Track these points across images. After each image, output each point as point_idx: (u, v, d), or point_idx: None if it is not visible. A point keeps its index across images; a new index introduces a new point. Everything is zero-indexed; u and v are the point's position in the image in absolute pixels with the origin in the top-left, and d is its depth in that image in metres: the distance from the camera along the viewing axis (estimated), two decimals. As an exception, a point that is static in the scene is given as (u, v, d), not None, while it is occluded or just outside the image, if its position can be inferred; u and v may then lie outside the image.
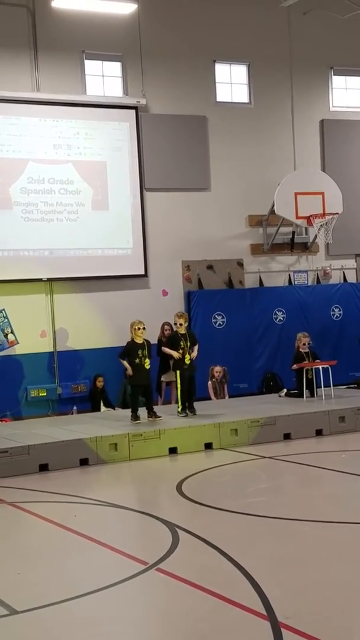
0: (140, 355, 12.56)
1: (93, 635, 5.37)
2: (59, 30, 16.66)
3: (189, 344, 13.04)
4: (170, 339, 13.51)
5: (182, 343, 12.99)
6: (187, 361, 12.99)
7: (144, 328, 12.67)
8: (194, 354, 13.15)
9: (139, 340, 12.64)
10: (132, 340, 12.69)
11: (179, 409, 12.96)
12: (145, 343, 12.71)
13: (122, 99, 17.42)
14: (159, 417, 12.59)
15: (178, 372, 13.03)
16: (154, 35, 17.47)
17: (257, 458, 11.19)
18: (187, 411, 12.93)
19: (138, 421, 12.45)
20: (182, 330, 13.14)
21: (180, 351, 12.97)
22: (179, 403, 13.04)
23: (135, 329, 12.62)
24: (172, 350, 12.96)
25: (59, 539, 7.78)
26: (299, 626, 5.18)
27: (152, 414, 12.66)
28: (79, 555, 7.25)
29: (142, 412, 12.63)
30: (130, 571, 6.49)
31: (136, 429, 11.85)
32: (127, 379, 15.52)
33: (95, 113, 17.04)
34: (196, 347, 13.24)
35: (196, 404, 13.21)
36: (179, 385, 13.11)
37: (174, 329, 13.28)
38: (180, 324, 13.18)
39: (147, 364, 12.62)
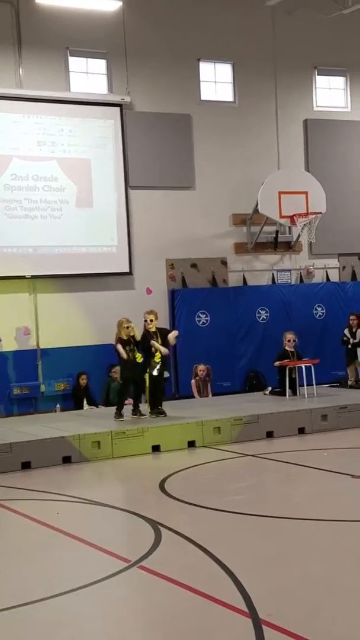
0: (129, 350, 12.50)
1: (75, 632, 5.36)
2: (43, 26, 16.62)
3: (159, 341, 12.72)
4: (142, 338, 12.90)
5: (153, 341, 12.67)
6: (157, 359, 12.63)
7: (133, 326, 12.61)
8: (172, 339, 12.87)
9: (126, 338, 12.57)
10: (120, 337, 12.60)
11: (149, 409, 12.70)
12: (133, 339, 12.58)
13: (106, 96, 17.41)
14: (144, 415, 12.57)
15: (147, 373, 12.67)
16: (139, 32, 17.46)
17: (240, 456, 11.22)
18: (157, 411, 12.65)
19: (121, 419, 12.42)
20: (153, 328, 12.72)
21: (153, 350, 12.64)
22: (148, 403, 12.76)
23: (124, 327, 12.54)
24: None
25: (41, 536, 7.76)
26: (280, 623, 5.19)
27: (137, 411, 12.63)
28: (61, 553, 7.24)
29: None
30: (112, 569, 6.48)
31: (119, 427, 11.84)
32: (111, 378, 15.56)
33: (79, 110, 17.02)
34: (171, 334, 12.94)
35: (180, 402, 13.22)
36: (147, 386, 12.74)
37: (145, 326, 12.89)
38: (151, 320, 12.69)
39: (138, 357, 12.56)
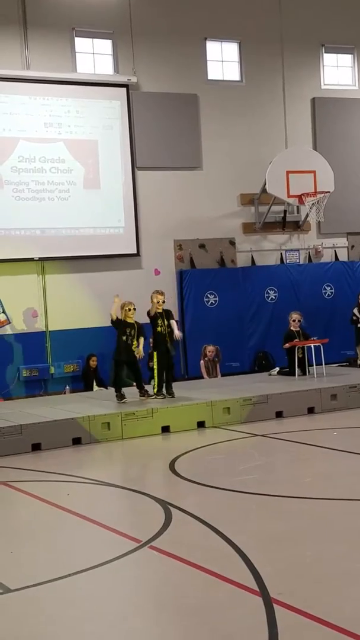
0: (128, 334, 12.50)
1: (86, 612, 5.40)
2: (49, 7, 16.54)
3: (166, 322, 12.67)
4: (152, 318, 12.83)
5: (159, 321, 12.69)
6: (166, 339, 12.61)
7: (134, 309, 12.59)
8: (176, 332, 12.76)
9: (129, 321, 12.59)
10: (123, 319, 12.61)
11: (155, 390, 12.67)
12: (135, 324, 12.61)
13: (113, 76, 17.33)
14: (151, 395, 12.59)
15: (155, 352, 12.73)
16: (145, 12, 17.35)
17: (250, 436, 11.24)
18: (164, 392, 12.67)
19: (123, 400, 12.43)
20: (160, 309, 12.67)
21: (159, 329, 12.63)
22: (156, 384, 12.72)
23: (126, 310, 12.55)
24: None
25: (52, 517, 7.81)
26: (291, 602, 5.22)
27: (143, 392, 12.64)
28: (72, 533, 7.28)
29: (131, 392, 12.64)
30: (123, 549, 6.52)
31: (129, 408, 11.86)
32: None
33: (86, 91, 16.96)
34: (173, 323, 12.83)
35: (189, 383, 13.21)
36: (156, 366, 12.76)
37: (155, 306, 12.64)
38: (164, 302, 12.68)
39: (134, 345, 12.52)
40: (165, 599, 5.61)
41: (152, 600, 5.63)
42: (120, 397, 12.50)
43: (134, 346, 12.52)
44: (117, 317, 12.53)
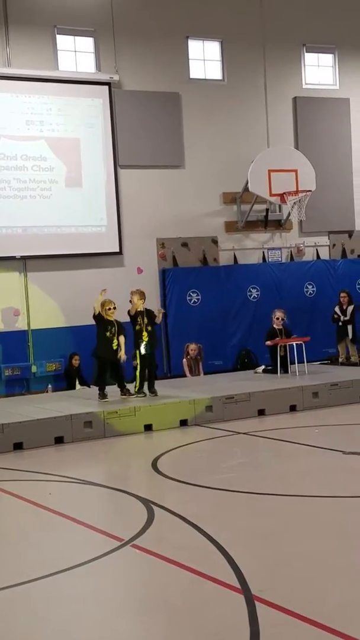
0: (110, 331, 12.48)
1: (69, 612, 5.40)
2: (31, 4, 16.50)
3: (146, 320, 12.71)
4: (133, 317, 12.89)
5: (139, 319, 12.71)
6: (145, 338, 12.64)
7: (114, 308, 12.56)
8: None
9: (110, 319, 12.56)
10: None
11: (136, 389, 12.67)
12: (116, 322, 12.59)
13: (94, 75, 17.30)
14: (132, 394, 12.58)
15: (137, 351, 12.72)
16: (127, 10, 17.34)
17: (232, 434, 11.27)
18: (147, 391, 12.65)
19: (106, 399, 12.41)
20: (140, 307, 12.74)
21: (138, 327, 12.68)
22: (137, 382, 12.74)
23: (106, 309, 12.52)
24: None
25: (34, 517, 7.80)
26: (272, 599, 5.24)
27: (124, 391, 12.62)
28: (54, 532, 7.27)
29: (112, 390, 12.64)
30: (105, 548, 6.53)
31: (111, 407, 11.86)
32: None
33: (67, 89, 16.92)
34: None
35: (171, 381, 13.22)
36: (138, 364, 12.78)
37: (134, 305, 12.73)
38: (139, 299, 12.73)
39: (115, 344, 12.52)
40: (148, 597, 5.63)
41: (134, 599, 5.64)
42: (103, 396, 12.49)
43: (114, 345, 12.50)
44: (99, 312, 12.50)
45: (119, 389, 12.66)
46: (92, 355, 13.15)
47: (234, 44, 18.72)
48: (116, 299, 12.75)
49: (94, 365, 15.76)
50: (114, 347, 12.54)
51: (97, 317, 12.56)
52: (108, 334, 12.47)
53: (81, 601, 5.56)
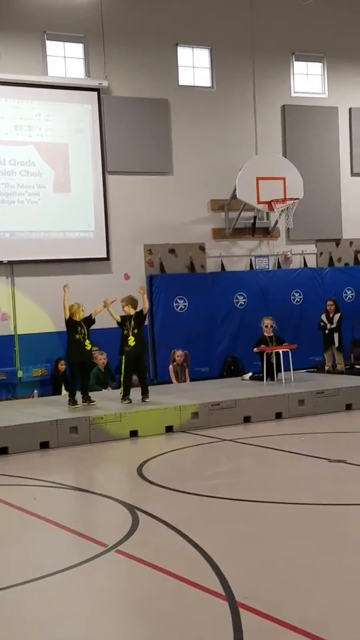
0: (79, 332, 12.42)
1: (52, 617, 5.39)
2: (21, 10, 16.51)
3: (133, 324, 12.65)
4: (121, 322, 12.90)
5: (127, 324, 12.66)
6: (131, 342, 12.57)
7: (82, 310, 12.49)
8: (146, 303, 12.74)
9: (77, 320, 12.48)
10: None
11: (121, 395, 12.58)
12: (83, 322, 12.47)
13: (84, 80, 17.32)
14: (93, 402, 12.44)
15: (123, 356, 12.65)
16: (117, 17, 17.37)
17: (218, 441, 11.27)
18: (130, 397, 12.55)
19: (76, 405, 12.31)
20: (131, 312, 12.69)
21: (125, 332, 12.63)
22: (122, 388, 12.66)
23: (74, 310, 12.46)
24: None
25: (18, 521, 7.77)
26: (256, 605, 5.24)
27: (86, 398, 12.48)
28: (38, 537, 7.25)
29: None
30: (89, 553, 6.51)
31: (97, 413, 11.83)
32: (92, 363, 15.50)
33: (57, 94, 16.93)
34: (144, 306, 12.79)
35: (157, 388, 13.17)
36: (122, 370, 12.70)
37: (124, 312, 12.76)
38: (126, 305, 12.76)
39: (87, 344, 12.47)
40: (132, 603, 5.62)
41: (118, 605, 5.62)
42: (73, 402, 12.36)
43: (87, 345, 12.48)
44: (69, 315, 12.46)
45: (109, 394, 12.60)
46: (67, 361, 13.08)
47: (224, 51, 18.79)
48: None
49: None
50: (87, 348, 12.51)
51: (68, 321, 12.51)
52: (78, 335, 12.42)
53: (64, 606, 5.54)
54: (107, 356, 15.17)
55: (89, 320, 12.55)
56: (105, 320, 12.92)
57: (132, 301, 12.76)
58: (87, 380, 12.80)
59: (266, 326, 14.80)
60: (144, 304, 12.82)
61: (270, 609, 5.18)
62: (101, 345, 14.76)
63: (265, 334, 14.76)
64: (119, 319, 12.65)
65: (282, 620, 5.02)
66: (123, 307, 12.77)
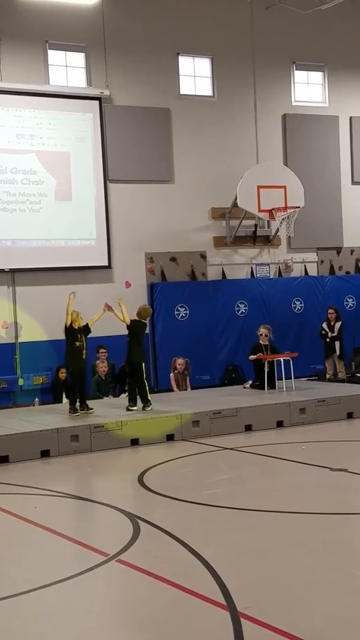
0: (79, 339, 12.46)
1: (53, 626, 5.38)
2: (22, 19, 16.55)
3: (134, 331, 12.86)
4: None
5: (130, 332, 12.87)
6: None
7: (81, 318, 12.58)
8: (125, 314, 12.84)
9: (76, 326, 12.55)
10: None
11: (129, 403, 12.73)
12: (81, 329, 12.54)
13: (85, 89, 17.37)
14: (91, 409, 12.48)
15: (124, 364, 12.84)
16: (118, 26, 17.42)
17: (219, 449, 11.26)
18: (129, 406, 12.64)
19: (77, 414, 12.35)
20: (128, 321, 12.90)
21: (128, 339, 12.80)
22: (129, 394, 12.89)
23: (73, 318, 12.51)
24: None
25: (19, 530, 7.76)
26: (258, 616, 5.23)
27: (84, 406, 12.52)
28: (38, 547, 7.24)
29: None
30: (90, 562, 6.50)
31: (98, 421, 11.83)
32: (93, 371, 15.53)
33: (58, 103, 16.97)
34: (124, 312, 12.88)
35: (158, 396, 13.18)
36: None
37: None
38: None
39: (85, 353, 12.56)
40: (133, 613, 5.61)
41: (119, 615, 5.61)
42: (73, 410, 12.40)
43: (83, 354, 12.51)
44: (70, 322, 12.49)
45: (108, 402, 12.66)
46: (67, 368, 13.12)
47: (225, 60, 18.84)
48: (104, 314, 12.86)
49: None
50: (84, 356, 12.58)
51: (68, 329, 12.55)
52: (77, 343, 12.48)
53: (65, 616, 5.53)
54: (115, 364, 15.28)
55: (86, 329, 12.61)
56: (115, 328, 12.89)
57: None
58: (84, 388, 12.80)
59: (262, 335, 14.79)
60: (124, 317, 12.85)
61: (272, 619, 5.17)
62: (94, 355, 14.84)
63: (260, 342, 14.75)
64: (129, 322, 12.73)
65: (284, 630, 5.01)
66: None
